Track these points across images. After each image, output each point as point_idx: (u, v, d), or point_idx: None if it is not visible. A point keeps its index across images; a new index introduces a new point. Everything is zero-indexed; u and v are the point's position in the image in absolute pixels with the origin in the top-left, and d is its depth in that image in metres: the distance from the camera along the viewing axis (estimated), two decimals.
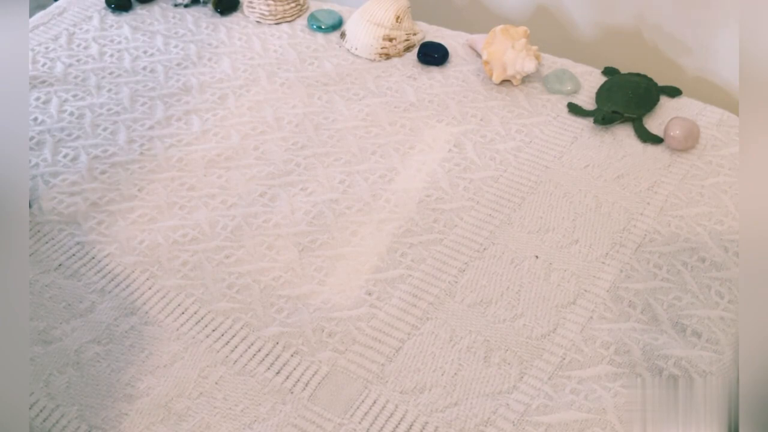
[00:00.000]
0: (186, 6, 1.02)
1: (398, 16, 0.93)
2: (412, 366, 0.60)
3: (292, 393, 0.59)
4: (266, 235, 0.71)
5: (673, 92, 0.86)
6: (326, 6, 1.01)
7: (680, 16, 0.94)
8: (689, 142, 0.78)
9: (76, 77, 0.90)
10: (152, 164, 0.79)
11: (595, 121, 0.81)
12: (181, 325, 0.64)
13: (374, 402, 0.58)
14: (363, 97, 0.87)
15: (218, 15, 1.00)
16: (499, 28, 0.88)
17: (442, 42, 0.93)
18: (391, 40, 0.92)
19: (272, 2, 0.98)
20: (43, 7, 1.02)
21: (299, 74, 0.90)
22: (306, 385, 0.59)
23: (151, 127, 0.83)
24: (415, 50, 0.92)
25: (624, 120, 0.82)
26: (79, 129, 0.83)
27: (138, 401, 0.58)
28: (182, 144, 0.81)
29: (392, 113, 0.85)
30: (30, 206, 0.69)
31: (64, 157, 0.80)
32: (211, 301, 0.66)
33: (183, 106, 0.86)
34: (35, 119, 0.84)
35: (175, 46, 0.95)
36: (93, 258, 0.70)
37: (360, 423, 0.57)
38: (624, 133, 0.81)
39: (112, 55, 0.94)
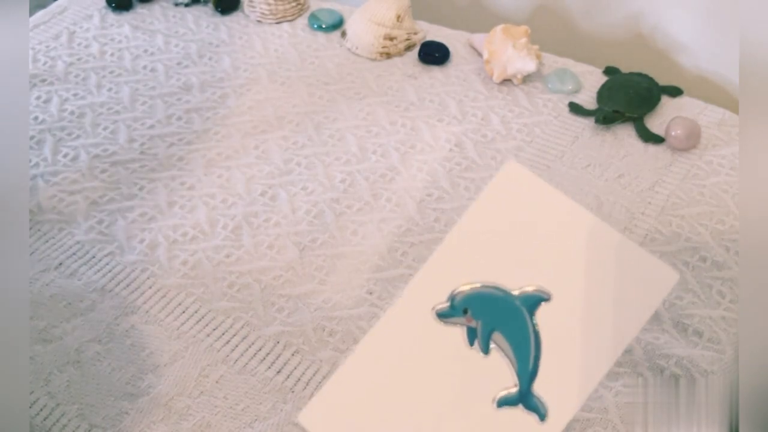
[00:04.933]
0: (186, 5, 1.02)
1: (399, 15, 0.93)
2: None
3: (293, 392, 0.59)
4: (267, 234, 0.71)
5: (675, 92, 0.86)
6: (327, 5, 1.01)
7: (681, 16, 0.94)
8: (691, 141, 0.78)
9: (76, 76, 0.90)
10: (153, 163, 0.79)
11: (597, 121, 0.81)
12: (182, 324, 0.64)
13: None
14: (364, 97, 0.87)
15: (219, 14, 1.00)
16: (499, 27, 0.88)
17: (443, 41, 0.93)
18: (392, 39, 0.92)
19: (273, 1, 0.98)
20: (44, 5, 1.02)
21: (300, 73, 0.90)
22: (307, 384, 0.59)
23: (151, 126, 0.83)
24: (416, 49, 0.92)
25: (625, 119, 0.82)
26: (80, 128, 0.83)
27: (138, 400, 0.58)
28: (183, 143, 0.81)
29: (393, 112, 0.85)
30: None
31: (65, 156, 0.80)
32: (212, 300, 0.66)
33: (183, 105, 0.86)
34: (36, 118, 0.84)
35: (176, 45, 0.95)
36: (93, 257, 0.69)
37: None
38: (625, 133, 0.81)
39: (112, 54, 0.94)
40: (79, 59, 0.93)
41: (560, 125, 0.83)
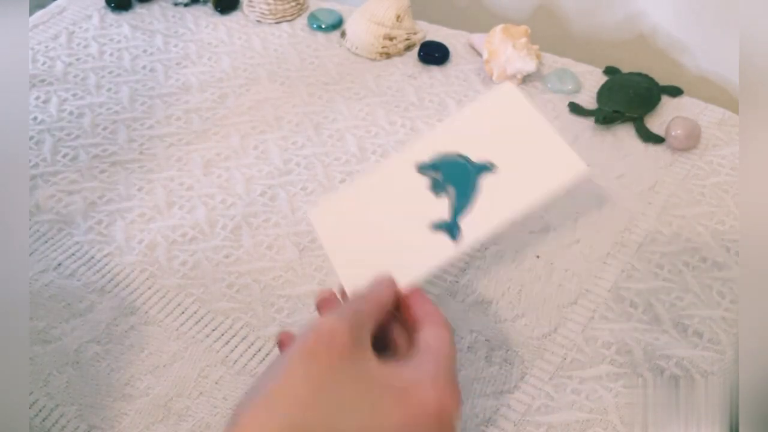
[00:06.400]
0: (186, 5, 1.02)
1: (399, 15, 0.93)
2: None
3: None
4: (266, 234, 0.71)
5: (675, 92, 0.86)
6: (326, 5, 1.01)
7: (681, 16, 0.94)
8: (691, 141, 0.78)
9: (75, 76, 0.90)
10: (152, 164, 0.79)
11: (597, 121, 0.81)
12: (181, 324, 0.64)
13: None
14: (363, 97, 0.87)
15: (218, 14, 1.00)
16: (499, 27, 0.88)
17: (443, 41, 0.93)
18: (391, 39, 0.92)
19: (272, 1, 0.98)
20: (43, 5, 1.02)
21: (300, 73, 0.90)
22: None
23: (150, 127, 0.83)
24: (416, 49, 0.92)
25: (625, 120, 0.82)
26: (79, 128, 0.83)
27: (137, 401, 0.58)
28: (182, 143, 0.81)
29: (392, 112, 0.84)
30: None
31: (64, 156, 0.80)
32: (211, 301, 0.65)
33: (183, 105, 0.86)
34: (35, 118, 0.84)
35: (175, 45, 0.95)
36: (92, 258, 0.69)
37: None
38: (625, 133, 0.81)
39: (111, 54, 0.94)
40: (78, 59, 0.93)
41: (560, 125, 0.82)
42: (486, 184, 0.52)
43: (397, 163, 0.56)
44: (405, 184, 0.54)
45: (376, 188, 0.56)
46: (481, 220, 0.51)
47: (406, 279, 0.50)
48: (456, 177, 0.53)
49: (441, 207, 0.52)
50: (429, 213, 0.52)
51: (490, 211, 0.51)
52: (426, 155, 0.55)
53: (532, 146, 0.53)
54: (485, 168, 0.53)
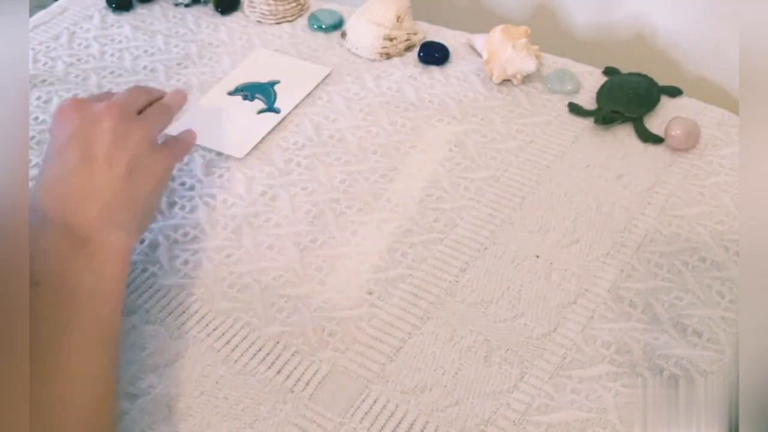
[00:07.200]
0: (187, 5, 1.02)
1: (399, 16, 0.93)
2: (412, 365, 0.60)
3: (292, 392, 0.59)
4: (267, 234, 0.71)
5: (674, 92, 0.86)
6: (327, 6, 1.01)
7: (681, 16, 0.94)
8: (690, 141, 0.78)
9: (77, 76, 0.91)
10: None
11: (596, 121, 0.81)
12: (182, 324, 0.64)
13: (375, 401, 0.58)
14: (363, 97, 0.87)
15: (219, 14, 1.00)
16: (499, 27, 0.88)
17: (443, 42, 0.93)
18: (391, 39, 0.92)
19: (273, 2, 0.98)
20: (44, 6, 1.02)
21: None
22: (306, 385, 0.59)
23: None
24: (416, 50, 0.92)
25: (625, 120, 0.82)
26: None
27: (139, 400, 0.58)
28: None
29: (393, 113, 0.85)
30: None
31: None
32: (212, 301, 0.66)
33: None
34: (36, 118, 0.85)
35: (176, 46, 0.95)
36: None
37: (361, 422, 0.57)
38: (625, 133, 0.81)
39: (112, 55, 0.94)
40: (79, 60, 0.93)
41: (560, 125, 0.83)
42: (278, 88, 0.85)
43: (211, 96, 0.85)
44: (226, 102, 0.84)
45: (208, 107, 0.84)
46: (287, 102, 0.84)
47: (255, 139, 0.80)
48: (259, 90, 0.85)
49: (257, 105, 0.83)
50: (251, 108, 0.83)
51: (289, 98, 0.84)
52: (229, 89, 0.86)
53: (295, 67, 0.89)
54: (275, 82, 0.86)
